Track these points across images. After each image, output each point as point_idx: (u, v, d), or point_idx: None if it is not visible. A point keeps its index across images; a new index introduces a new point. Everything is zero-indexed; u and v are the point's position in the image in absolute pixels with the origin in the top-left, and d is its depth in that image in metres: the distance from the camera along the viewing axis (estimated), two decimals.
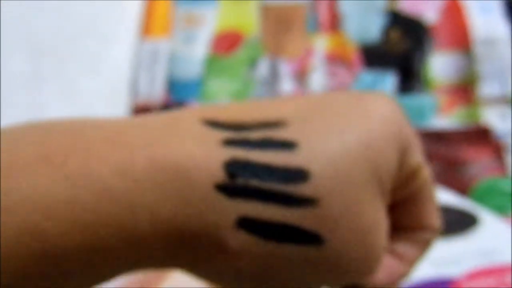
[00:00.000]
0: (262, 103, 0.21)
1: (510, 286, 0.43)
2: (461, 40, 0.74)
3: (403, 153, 0.21)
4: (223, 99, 0.78)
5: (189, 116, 0.19)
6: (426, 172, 0.23)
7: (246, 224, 0.18)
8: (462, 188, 0.64)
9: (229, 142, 0.18)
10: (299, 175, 0.18)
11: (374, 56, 0.76)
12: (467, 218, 0.53)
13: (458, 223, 0.52)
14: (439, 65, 0.74)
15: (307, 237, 0.18)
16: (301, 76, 0.77)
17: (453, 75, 0.74)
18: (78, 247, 0.16)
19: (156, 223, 0.17)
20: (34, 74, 0.63)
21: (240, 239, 0.18)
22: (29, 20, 0.59)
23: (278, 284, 0.19)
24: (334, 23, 0.78)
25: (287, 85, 0.76)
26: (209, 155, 0.18)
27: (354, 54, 0.76)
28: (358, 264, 0.20)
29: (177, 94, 0.79)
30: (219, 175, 0.18)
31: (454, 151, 0.69)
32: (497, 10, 0.73)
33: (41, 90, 0.64)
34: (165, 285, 0.49)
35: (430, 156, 0.69)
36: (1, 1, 0.54)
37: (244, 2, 0.81)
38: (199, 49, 0.80)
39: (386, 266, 0.23)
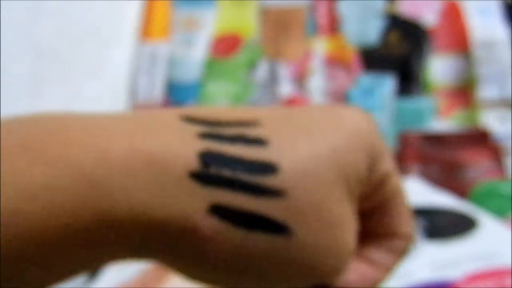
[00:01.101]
0: (238, 107, 0.22)
1: None
2: (460, 42, 0.74)
3: (372, 161, 0.22)
4: (222, 102, 0.78)
5: (168, 112, 0.20)
6: (396, 180, 0.24)
7: (218, 211, 0.19)
8: (461, 191, 0.64)
9: (204, 135, 0.19)
10: (268, 168, 0.19)
11: (373, 59, 0.76)
12: (466, 221, 0.53)
13: (458, 226, 0.52)
14: (438, 67, 0.74)
15: (275, 227, 0.19)
16: (300, 79, 0.77)
17: (452, 78, 0.74)
18: (59, 230, 0.17)
19: (132, 207, 0.18)
20: (35, 78, 0.63)
21: (212, 225, 0.19)
22: (29, 24, 0.59)
23: (250, 278, 0.20)
24: (333, 26, 0.78)
25: (286, 88, 0.76)
26: (184, 146, 0.19)
27: (353, 57, 0.76)
28: (326, 259, 0.21)
29: (177, 97, 0.79)
30: (194, 163, 0.19)
31: (453, 154, 0.69)
32: (496, 13, 0.74)
33: (41, 94, 0.64)
34: (164, 285, 0.49)
35: (429, 159, 0.69)
36: (2, 4, 0.54)
37: (243, 5, 0.81)
38: (198, 52, 0.80)
39: (359, 271, 0.24)
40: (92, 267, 0.19)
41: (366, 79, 0.75)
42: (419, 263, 0.47)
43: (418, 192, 0.60)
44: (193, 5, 0.82)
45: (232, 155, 0.19)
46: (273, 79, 0.77)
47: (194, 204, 0.18)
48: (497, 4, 0.74)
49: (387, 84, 0.74)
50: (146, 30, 0.82)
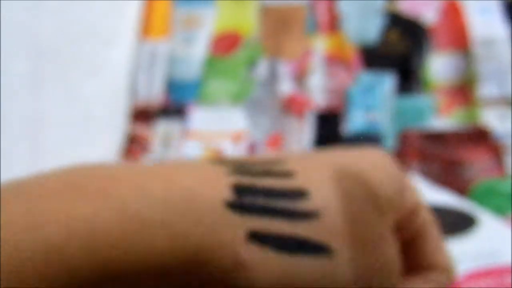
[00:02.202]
0: (262, 154, 0.24)
1: None
2: (460, 40, 0.74)
3: (400, 186, 0.23)
4: (223, 100, 0.78)
5: (196, 159, 0.22)
6: (427, 212, 0.25)
7: (257, 238, 0.19)
8: (461, 189, 0.64)
9: (235, 172, 0.20)
10: (298, 193, 0.20)
11: (373, 57, 0.76)
12: (466, 219, 0.53)
13: (457, 224, 0.52)
14: (438, 66, 0.74)
15: (316, 248, 0.19)
16: (300, 77, 0.77)
17: (452, 76, 0.74)
18: (100, 267, 0.17)
19: (172, 238, 0.18)
20: (34, 77, 0.63)
21: (253, 252, 0.19)
22: (29, 23, 0.60)
23: None
24: (333, 24, 0.78)
25: (286, 86, 0.76)
26: (217, 180, 0.20)
27: (353, 55, 0.76)
28: (372, 276, 0.20)
29: (177, 95, 0.79)
30: (228, 194, 0.19)
31: (453, 152, 0.69)
32: (496, 11, 0.74)
33: (41, 92, 0.65)
34: None
35: (429, 157, 0.69)
36: (2, 4, 0.54)
37: (243, 3, 0.81)
38: (198, 50, 0.80)
39: None
40: None
41: (366, 77, 0.75)
42: None
43: (418, 190, 0.60)
44: (193, 4, 0.82)
45: (263, 186, 0.20)
46: (273, 77, 0.77)
47: (232, 232, 0.19)
48: (497, 2, 0.74)
49: (387, 82, 0.74)
50: (146, 28, 0.82)
